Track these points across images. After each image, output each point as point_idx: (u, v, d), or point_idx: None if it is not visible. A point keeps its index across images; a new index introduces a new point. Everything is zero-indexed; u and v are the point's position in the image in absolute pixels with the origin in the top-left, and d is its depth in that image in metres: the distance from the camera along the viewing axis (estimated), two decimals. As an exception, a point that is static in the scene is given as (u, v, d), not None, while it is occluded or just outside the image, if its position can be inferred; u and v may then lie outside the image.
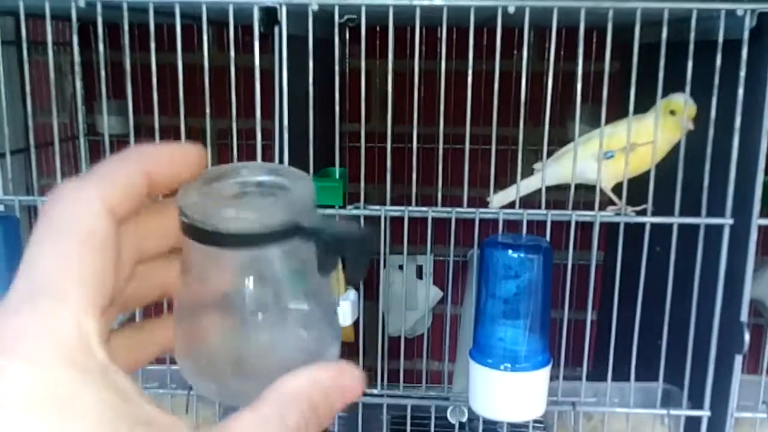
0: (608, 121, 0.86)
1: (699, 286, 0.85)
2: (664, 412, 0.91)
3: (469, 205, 0.88)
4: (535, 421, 1.04)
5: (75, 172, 1.33)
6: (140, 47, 0.90)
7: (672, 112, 0.84)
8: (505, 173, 1.33)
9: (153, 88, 0.84)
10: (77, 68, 0.86)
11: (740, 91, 0.78)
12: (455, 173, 1.11)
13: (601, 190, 0.87)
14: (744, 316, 0.82)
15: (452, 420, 1.10)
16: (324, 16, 0.84)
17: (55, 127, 0.86)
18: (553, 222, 0.86)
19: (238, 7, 0.80)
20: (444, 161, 0.88)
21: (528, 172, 0.91)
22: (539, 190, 0.87)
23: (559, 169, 0.89)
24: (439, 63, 0.86)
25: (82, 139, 0.87)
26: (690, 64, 0.78)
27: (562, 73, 1.15)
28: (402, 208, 0.88)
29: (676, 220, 0.84)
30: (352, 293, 0.93)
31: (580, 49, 0.81)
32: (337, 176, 0.91)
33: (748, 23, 0.76)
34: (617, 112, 1.16)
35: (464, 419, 1.07)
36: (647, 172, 0.84)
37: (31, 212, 1.02)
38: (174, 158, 0.29)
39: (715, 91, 0.78)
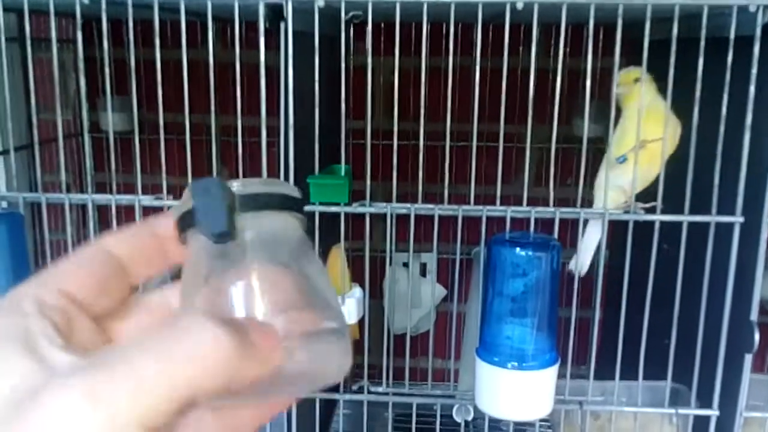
0: (615, 117, 0.85)
1: (708, 284, 0.85)
2: (672, 411, 0.91)
3: (475, 203, 0.87)
4: (542, 420, 1.03)
5: (78, 169, 1.32)
6: (143, 44, 0.89)
7: (637, 80, 0.84)
8: (510, 171, 1.33)
9: (158, 85, 0.83)
10: (81, 65, 0.85)
11: (752, 89, 0.77)
12: (460, 171, 1.10)
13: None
14: (754, 315, 0.82)
15: (458, 418, 1.10)
16: (329, 13, 0.83)
17: (59, 123, 0.86)
18: (560, 220, 0.85)
19: (244, 3, 0.80)
20: (449, 159, 0.87)
21: (534, 169, 0.90)
22: (548, 188, 0.86)
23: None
24: (446, 59, 0.85)
25: (86, 136, 0.87)
26: (701, 61, 0.77)
27: (567, 70, 1.15)
28: (408, 205, 0.87)
29: (686, 218, 0.83)
30: (357, 291, 0.92)
31: (589, 46, 0.81)
32: (343, 173, 0.90)
33: (761, 19, 0.75)
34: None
35: (470, 417, 1.07)
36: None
37: (35, 209, 1.01)
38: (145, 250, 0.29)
39: (726, 88, 0.77)
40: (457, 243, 0.88)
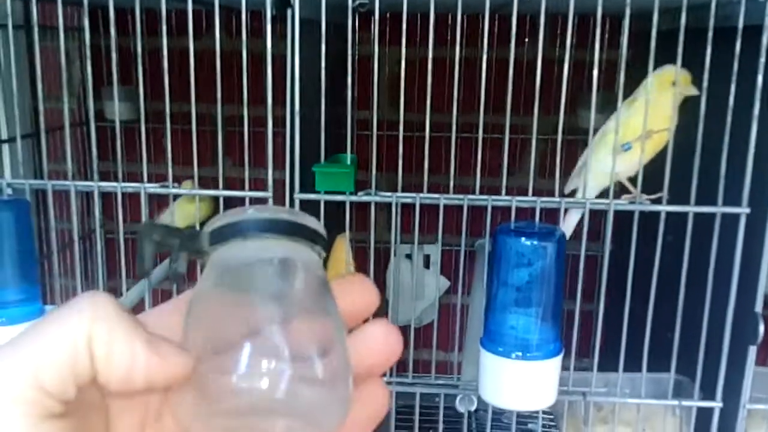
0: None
1: (713, 276, 0.84)
2: (675, 402, 0.91)
3: (480, 194, 0.87)
4: (545, 411, 1.04)
5: (84, 157, 1.32)
6: (149, 33, 0.89)
7: (674, 84, 0.84)
8: (515, 162, 1.33)
9: (164, 74, 0.83)
10: (88, 53, 0.85)
11: (759, 78, 0.77)
12: (465, 162, 1.10)
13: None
14: (759, 307, 0.82)
15: (461, 409, 1.10)
16: (336, 1, 0.83)
17: (65, 111, 0.86)
18: (565, 210, 0.85)
19: (251, -9, 0.80)
20: (455, 150, 0.87)
21: (539, 160, 0.90)
22: (553, 179, 0.86)
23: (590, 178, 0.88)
24: (452, 50, 0.85)
25: (92, 125, 0.87)
26: (709, 50, 0.77)
27: (573, 61, 1.14)
28: (414, 195, 0.87)
29: (691, 209, 0.83)
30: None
31: (597, 36, 0.80)
32: (348, 162, 0.90)
33: (770, 9, 0.75)
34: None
35: (473, 408, 1.07)
36: (663, 161, 0.83)
37: (41, 196, 1.01)
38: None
39: (734, 78, 0.77)
40: (462, 233, 0.88)
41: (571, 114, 1.24)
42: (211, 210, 1.11)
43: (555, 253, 0.80)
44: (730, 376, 0.86)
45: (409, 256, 1.34)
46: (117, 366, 0.25)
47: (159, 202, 1.19)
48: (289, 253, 0.28)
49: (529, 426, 1.25)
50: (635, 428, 0.93)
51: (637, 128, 0.84)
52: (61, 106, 0.86)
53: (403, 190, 0.87)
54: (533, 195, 0.86)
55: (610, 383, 0.94)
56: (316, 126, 0.84)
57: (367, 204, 0.87)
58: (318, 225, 0.29)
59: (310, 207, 0.84)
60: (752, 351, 0.84)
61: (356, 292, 0.30)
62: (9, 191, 0.87)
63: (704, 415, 0.90)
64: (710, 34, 0.77)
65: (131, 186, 0.88)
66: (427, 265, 1.40)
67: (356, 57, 1.22)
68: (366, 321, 0.30)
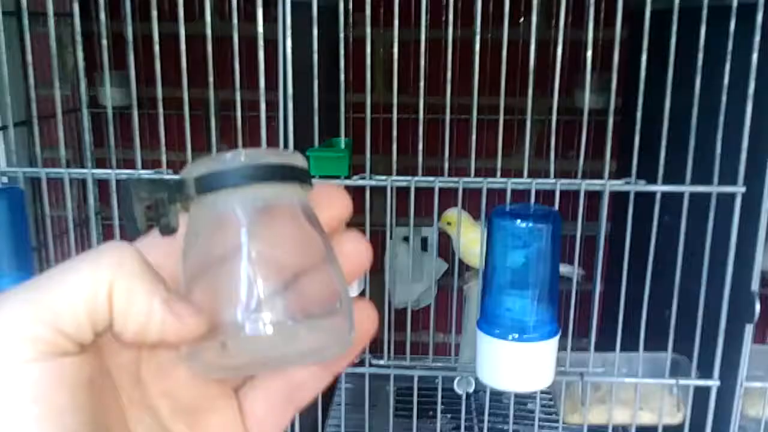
0: (617, 88, 0.84)
1: (709, 255, 0.84)
2: (672, 381, 0.91)
3: (475, 176, 0.87)
4: (543, 392, 1.04)
5: (77, 144, 1.32)
6: (140, 17, 0.89)
7: None
8: (510, 144, 1.32)
9: (156, 59, 0.83)
10: (78, 38, 0.84)
11: (754, 57, 0.76)
12: (460, 144, 1.10)
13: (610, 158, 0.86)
14: (755, 286, 0.82)
15: (459, 391, 1.10)
16: (328, -17, 0.82)
17: (57, 98, 0.85)
18: (560, 192, 0.85)
19: (241, -26, 0.79)
20: (450, 132, 0.87)
21: (534, 141, 0.90)
22: (548, 160, 0.86)
23: None
24: (446, 31, 0.84)
25: (85, 111, 0.86)
26: (703, 29, 0.76)
27: (569, 41, 1.14)
28: (409, 178, 0.87)
29: (687, 189, 0.83)
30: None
31: (591, 15, 0.80)
32: (342, 146, 0.90)
33: (764, -13, 0.74)
34: (626, 80, 1.15)
35: (471, 390, 1.08)
36: (658, 141, 0.83)
37: (35, 184, 1.01)
38: None
39: (729, 57, 0.77)
40: (458, 216, 0.88)
41: (567, 94, 1.23)
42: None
43: (550, 235, 0.80)
44: (727, 354, 0.87)
45: (406, 239, 1.34)
46: (133, 320, 0.25)
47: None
48: (277, 196, 0.28)
49: (528, 406, 1.26)
50: (633, 407, 0.94)
51: None
52: (53, 93, 0.86)
53: (398, 173, 0.87)
54: (529, 177, 0.86)
55: (607, 363, 0.94)
56: (309, 110, 0.84)
57: (363, 188, 0.87)
58: (302, 161, 0.29)
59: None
60: (749, 329, 0.84)
61: (331, 206, 0.31)
62: (3, 180, 0.87)
63: (701, 393, 0.90)
64: (704, 12, 0.77)
65: (126, 173, 0.88)
66: (424, 247, 1.39)
67: (349, 39, 1.22)
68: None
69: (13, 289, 0.25)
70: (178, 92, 0.84)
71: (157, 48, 0.82)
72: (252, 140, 0.89)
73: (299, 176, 0.29)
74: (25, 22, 0.82)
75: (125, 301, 0.25)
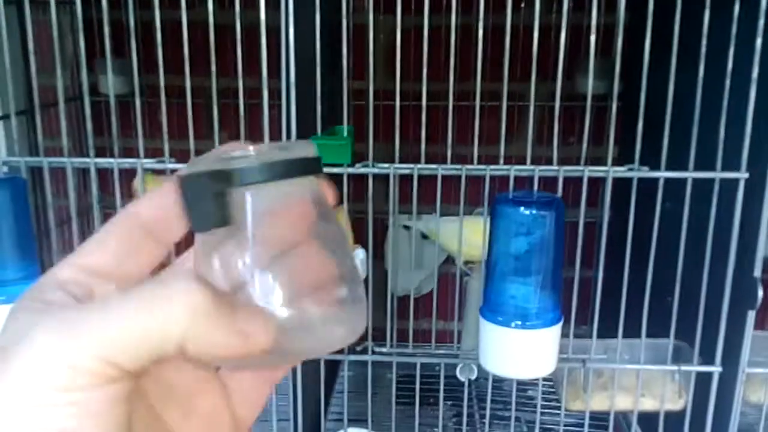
0: (621, 73, 0.84)
1: (712, 241, 0.84)
2: (674, 368, 0.91)
3: (478, 163, 0.87)
4: (545, 379, 1.04)
5: (78, 133, 1.31)
6: (141, 5, 0.88)
7: None
8: (512, 130, 1.32)
9: (157, 47, 0.82)
10: (80, 26, 0.84)
11: (758, 41, 0.76)
12: (462, 131, 1.10)
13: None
14: (757, 272, 0.82)
15: (461, 377, 1.11)
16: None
17: (59, 87, 0.85)
18: (563, 178, 0.85)
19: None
20: (452, 119, 0.87)
21: (537, 127, 0.89)
22: (551, 147, 0.86)
23: None
24: (448, 18, 0.84)
25: (86, 100, 0.86)
26: (707, 14, 0.76)
27: (571, 26, 1.13)
28: (411, 165, 0.87)
29: (690, 175, 0.83)
30: (360, 252, 0.92)
31: (593, 1, 0.79)
32: (345, 134, 0.89)
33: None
34: (628, 65, 1.14)
35: (473, 377, 1.08)
36: (661, 127, 0.83)
37: (36, 173, 1.01)
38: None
39: (733, 41, 0.76)
40: (460, 203, 0.88)
41: (569, 80, 1.23)
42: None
43: (554, 222, 0.80)
44: (729, 340, 0.87)
45: (405, 227, 1.34)
46: (206, 354, 0.25)
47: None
48: (292, 192, 0.29)
49: (530, 393, 1.26)
50: (635, 394, 0.94)
51: None
52: (54, 81, 0.85)
53: (400, 161, 0.87)
54: (532, 163, 0.86)
55: (609, 349, 0.94)
56: (311, 97, 0.84)
57: (365, 175, 0.87)
58: (311, 149, 0.29)
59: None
60: (751, 315, 0.84)
61: None
62: (5, 169, 0.87)
63: (703, 379, 0.90)
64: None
65: (128, 162, 0.88)
66: (425, 235, 1.39)
67: (351, 26, 1.21)
68: None
69: (61, 310, 0.24)
70: (179, 80, 0.84)
71: (158, 35, 0.82)
72: (254, 128, 0.88)
73: (312, 168, 0.29)
74: (27, 10, 0.81)
75: (201, 344, 0.24)
